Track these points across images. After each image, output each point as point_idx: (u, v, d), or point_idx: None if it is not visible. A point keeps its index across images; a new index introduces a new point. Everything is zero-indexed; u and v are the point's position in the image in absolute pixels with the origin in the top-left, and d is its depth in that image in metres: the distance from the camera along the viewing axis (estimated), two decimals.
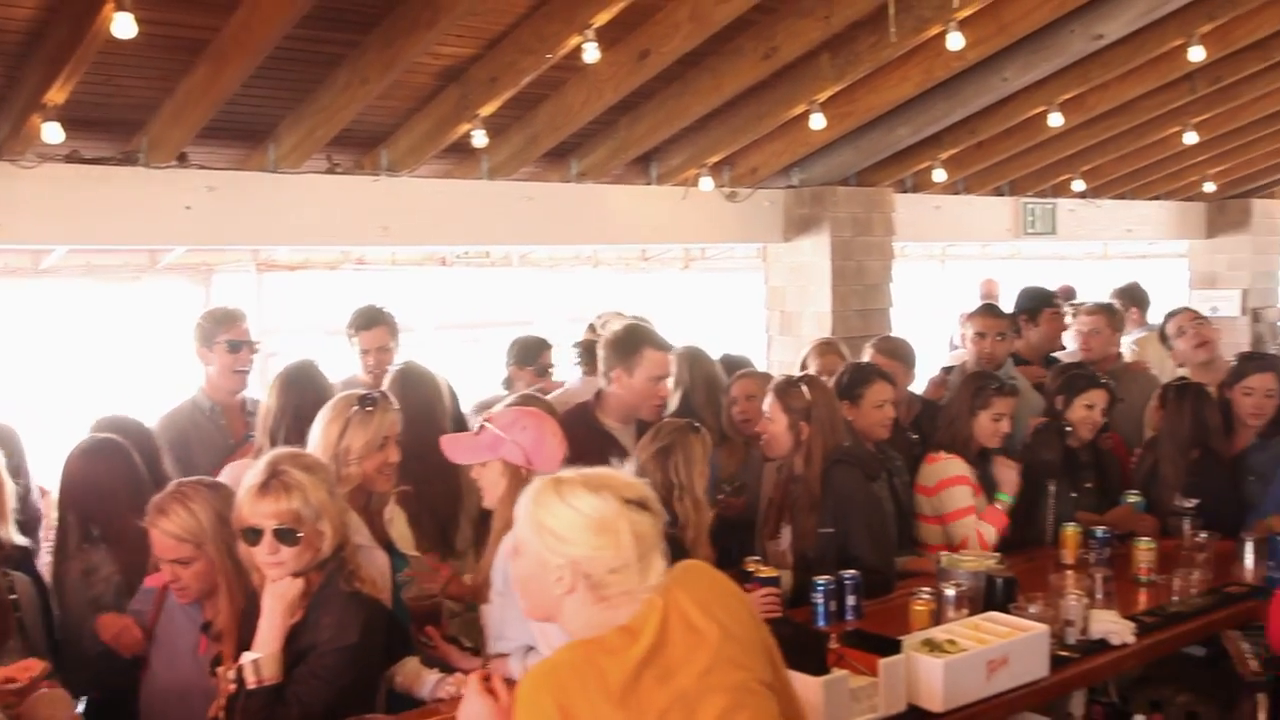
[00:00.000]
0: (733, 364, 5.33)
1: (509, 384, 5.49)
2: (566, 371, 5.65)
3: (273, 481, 2.78)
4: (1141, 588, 4.04)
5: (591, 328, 5.35)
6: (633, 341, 4.21)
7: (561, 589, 2.07)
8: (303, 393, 3.87)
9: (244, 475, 2.91)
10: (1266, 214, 10.18)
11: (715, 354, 5.38)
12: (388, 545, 3.48)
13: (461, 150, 5.60)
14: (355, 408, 3.36)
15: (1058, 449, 4.67)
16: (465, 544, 4.25)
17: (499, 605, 3.17)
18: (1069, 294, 8.34)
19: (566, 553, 2.06)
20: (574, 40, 4.59)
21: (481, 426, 3.27)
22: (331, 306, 6.55)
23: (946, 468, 4.46)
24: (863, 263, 7.12)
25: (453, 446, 3.38)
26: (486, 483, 3.23)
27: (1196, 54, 6.02)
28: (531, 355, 5.46)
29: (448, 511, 4.08)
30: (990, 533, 4.31)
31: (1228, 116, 7.70)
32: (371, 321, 4.87)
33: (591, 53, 4.57)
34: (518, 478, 3.07)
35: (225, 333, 4.42)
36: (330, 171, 5.46)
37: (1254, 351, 6.27)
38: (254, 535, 2.78)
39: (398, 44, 4.39)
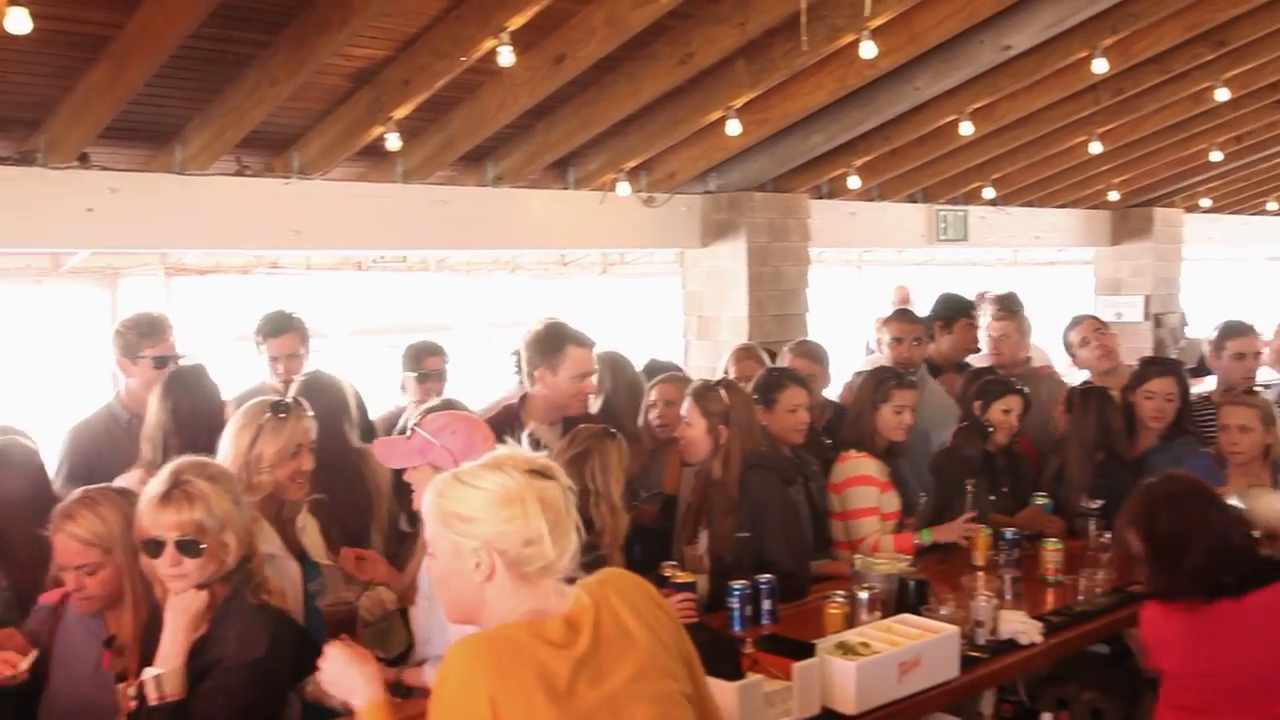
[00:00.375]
0: (659, 369, 5.33)
1: (405, 389, 5.43)
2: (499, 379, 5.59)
3: (175, 491, 2.72)
4: (1049, 588, 4.13)
5: None
6: (556, 339, 4.19)
7: (481, 575, 2.04)
8: (187, 399, 3.78)
9: (132, 486, 2.85)
10: (1167, 222, 10.48)
11: (638, 358, 5.39)
12: (300, 554, 3.42)
13: (375, 153, 5.52)
14: (268, 414, 3.33)
15: (979, 446, 4.76)
16: None
17: (426, 610, 3.16)
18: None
19: (478, 533, 2.04)
20: (488, 44, 4.55)
21: (413, 430, 3.26)
22: (244, 311, 6.41)
23: (855, 466, 4.54)
24: (779, 268, 7.18)
25: (384, 450, 3.38)
26: (417, 486, 3.22)
27: (1100, 66, 6.17)
28: (422, 360, 5.39)
29: (356, 523, 4.02)
30: (889, 546, 4.37)
31: (1130, 127, 7.90)
32: (280, 328, 4.77)
33: (506, 56, 4.53)
34: None
35: (151, 347, 4.23)
36: (240, 174, 5.34)
37: (1156, 356, 6.44)
38: (155, 547, 2.71)
39: (308, 45, 4.31)
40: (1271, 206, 11.68)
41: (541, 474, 2.09)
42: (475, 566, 2.04)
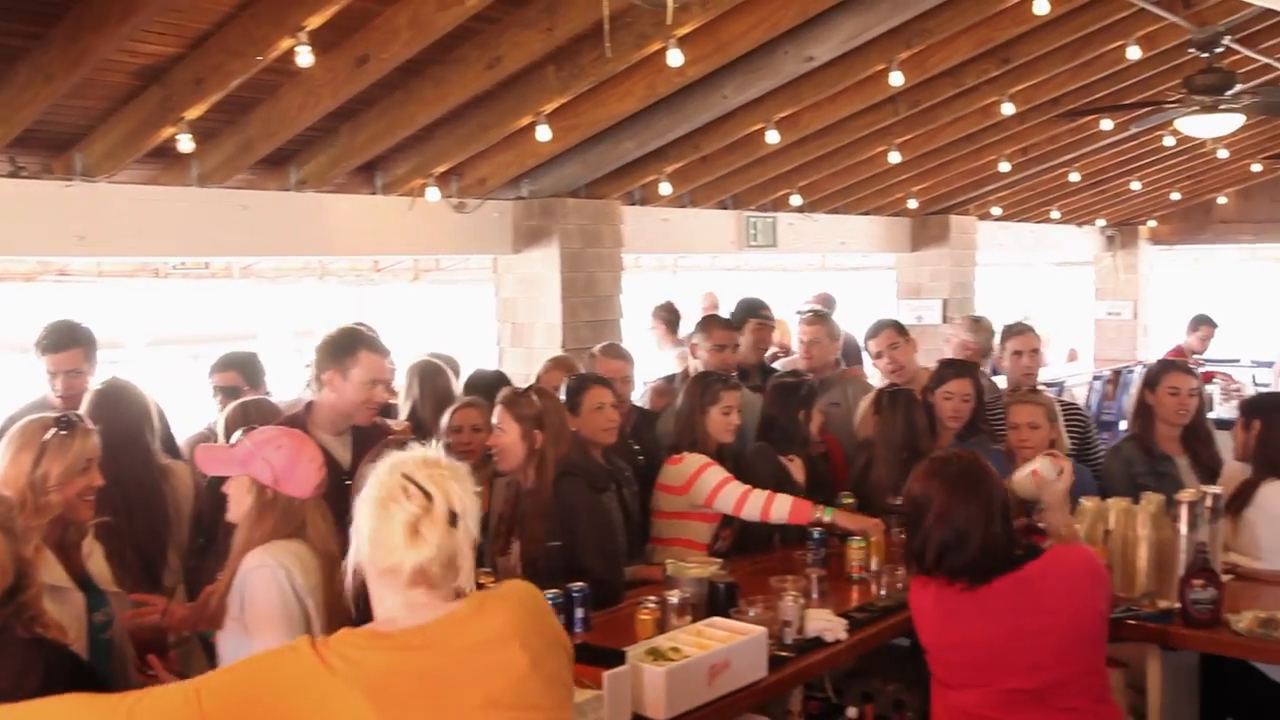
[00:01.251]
0: (482, 380, 5.21)
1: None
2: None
3: None
4: (854, 585, 4.25)
5: None
6: (348, 343, 4.00)
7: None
8: None
9: None
10: (962, 229, 11.01)
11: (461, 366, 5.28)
12: (87, 581, 3.22)
13: (168, 155, 5.25)
14: (53, 430, 3.13)
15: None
16: (174, 579, 4.00)
17: (233, 632, 2.99)
18: (827, 301, 8.76)
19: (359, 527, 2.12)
20: (286, 43, 4.37)
21: (240, 440, 3.12)
22: (28, 322, 6.03)
23: (694, 459, 4.57)
24: (593, 274, 7.19)
25: (205, 457, 3.23)
26: (232, 496, 3.09)
27: (896, 79, 6.42)
28: (210, 375, 5.18)
29: (153, 545, 3.80)
30: (781, 504, 4.41)
31: (926, 138, 8.25)
32: (61, 344, 4.42)
33: (305, 57, 4.36)
34: (264, 497, 2.99)
35: None
36: (14, 175, 4.99)
37: (953, 359, 6.71)
38: None
39: (85, 39, 4.05)
40: (1055, 215, 12.44)
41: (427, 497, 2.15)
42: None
